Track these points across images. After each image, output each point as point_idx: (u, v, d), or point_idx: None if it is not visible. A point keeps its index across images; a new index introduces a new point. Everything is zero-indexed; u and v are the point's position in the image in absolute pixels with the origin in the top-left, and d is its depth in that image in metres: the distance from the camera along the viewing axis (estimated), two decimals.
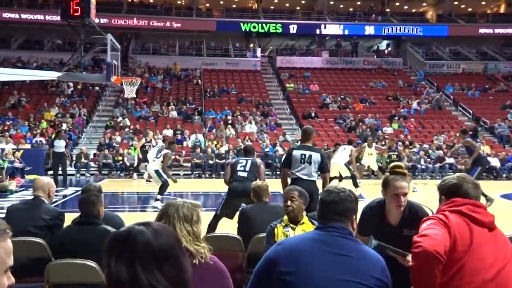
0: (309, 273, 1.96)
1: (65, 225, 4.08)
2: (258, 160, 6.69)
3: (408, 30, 30.17)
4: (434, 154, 19.53)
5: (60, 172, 13.59)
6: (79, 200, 3.77)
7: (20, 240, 3.78)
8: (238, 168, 6.33)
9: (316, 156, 5.90)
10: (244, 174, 6.24)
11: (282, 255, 2.04)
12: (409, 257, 2.52)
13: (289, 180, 5.90)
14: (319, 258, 2.00)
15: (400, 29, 30.21)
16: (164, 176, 9.82)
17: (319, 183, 5.93)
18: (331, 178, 12.47)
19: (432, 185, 15.33)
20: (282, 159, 6.87)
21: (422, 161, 18.98)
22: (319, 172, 6.04)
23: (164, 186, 9.82)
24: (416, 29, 30.22)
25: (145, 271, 1.23)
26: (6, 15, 26.94)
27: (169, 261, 1.27)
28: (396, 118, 23.26)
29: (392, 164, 3.18)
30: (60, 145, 13.07)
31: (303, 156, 5.87)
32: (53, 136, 16.14)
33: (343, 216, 2.16)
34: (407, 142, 20.43)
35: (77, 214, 4.62)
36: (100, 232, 3.54)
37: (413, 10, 33.91)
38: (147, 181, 14.77)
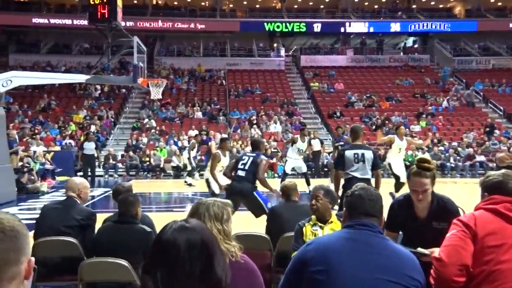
0: (341, 272, 1.93)
1: (97, 225, 4.16)
2: (262, 156, 6.41)
3: (436, 26, 29.59)
4: (464, 152, 19.11)
5: (89, 173, 13.83)
6: (118, 200, 3.89)
7: (53, 239, 3.87)
8: (239, 166, 6.23)
9: (369, 154, 5.88)
10: (242, 174, 6.14)
11: (313, 255, 2.01)
12: (434, 253, 2.54)
13: (342, 181, 5.85)
14: (351, 257, 1.97)
15: (427, 26, 29.65)
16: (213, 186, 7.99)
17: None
18: None
19: (462, 184, 14.99)
20: (334, 160, 6.72)
21: (452, 159, 18.60)
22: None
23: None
24: (444, 25, 29.61)
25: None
26: (36, 20, 27.64)
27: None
28: (424, 116, 22.85)
29: (418, 157, 3.12)
30: (89, 148, 13.28)
31: (356, 156, 5.82)
32: (82, 138, 16.50)
33: (378, 213, 2.15)
34: (435, 140, 20.05)
35: (106, 214, 4.73)
36: (137, 231, 3.63)
37: (440, 6, 33.25)
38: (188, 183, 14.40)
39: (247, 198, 6.07)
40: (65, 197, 4.31)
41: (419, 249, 2.60)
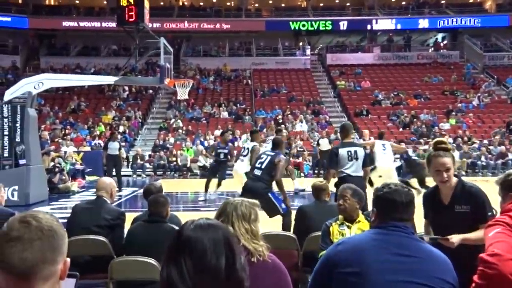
0: (373, 274, 1.88)
1: (126, 224, 4.23)
2: (281, 156, 6.26)
3: (465, 22, 28.89)
4: (495, 150, 18.61)
5: (114, 173, 13.88)
6: (149, 200, 3.97)
7: (84, 238, 3.95)
8: (256, 165, 6.16)
9: (361, 152, 5.91)
10: (258, 173, 6.06)
11: (344, 256, 1.97)
12: (452, 238, 2.71)
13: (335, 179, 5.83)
14: (383, 259, 1.92)
15: (456, 21, 28.99)
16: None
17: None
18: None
19: (493, 183, 14.59)
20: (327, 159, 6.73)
21: (483, 158, 18.14)
22: None
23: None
24: (474, 20, 28.87)
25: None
26: (66, 23, 28.32)
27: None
28: (453, 113, 22.35)
29: (435, 140, 3.21)
30: (114, 147, 13.30)
31: (349, 153, 5.82)
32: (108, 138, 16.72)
33: (411, 217, 2.10)
34: (465, 138, 19.59)
35: (135, 213, 4.80)
36: (166, 230, 3.70)
37: (470, 1, 32.45)
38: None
39: (260, 198, 6.00)
40: (95, 197, 4.40)
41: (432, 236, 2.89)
